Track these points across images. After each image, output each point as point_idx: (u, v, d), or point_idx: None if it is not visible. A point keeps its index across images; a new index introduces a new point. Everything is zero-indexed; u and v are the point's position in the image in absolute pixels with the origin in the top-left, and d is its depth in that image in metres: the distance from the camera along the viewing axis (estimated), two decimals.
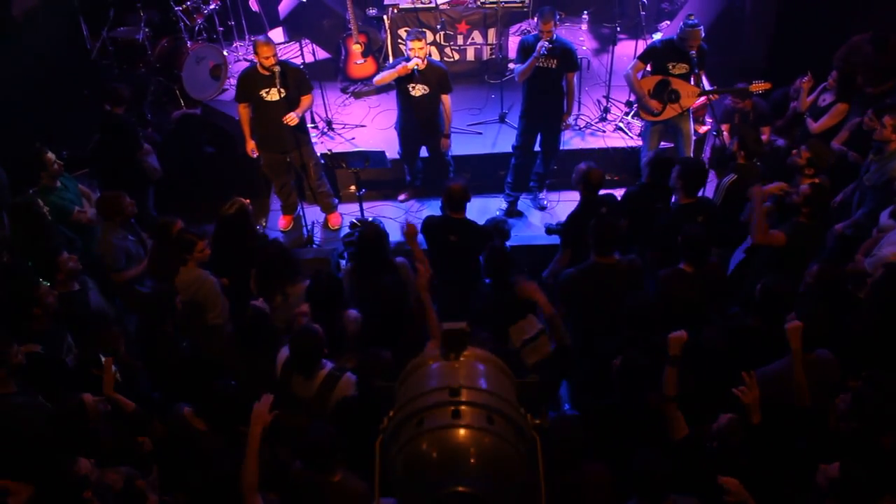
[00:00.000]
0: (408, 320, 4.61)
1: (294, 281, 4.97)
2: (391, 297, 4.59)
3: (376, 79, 7.12)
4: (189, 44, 8.72)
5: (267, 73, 6.44)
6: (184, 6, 8.72)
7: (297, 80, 6.67)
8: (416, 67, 6.60)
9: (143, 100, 8.47)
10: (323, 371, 4.18)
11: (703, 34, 6.50)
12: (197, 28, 9.01)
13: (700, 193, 5.56)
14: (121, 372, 4.40)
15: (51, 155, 5.76)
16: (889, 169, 5.46)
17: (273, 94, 6.54)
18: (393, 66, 6.83)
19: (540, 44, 6.53)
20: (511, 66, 7.04)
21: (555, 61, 6.70)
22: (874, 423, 3.45)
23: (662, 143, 7.19)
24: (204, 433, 3.96)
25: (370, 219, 6.95)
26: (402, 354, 3.85)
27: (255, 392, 4.27)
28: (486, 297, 4.92)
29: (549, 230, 6.70)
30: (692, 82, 6.65)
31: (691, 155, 7.06)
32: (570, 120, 7.47)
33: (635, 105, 7.94)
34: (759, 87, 6.58)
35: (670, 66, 6.69)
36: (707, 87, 6.82)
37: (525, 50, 6.78)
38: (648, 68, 6.86)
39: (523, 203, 7.75)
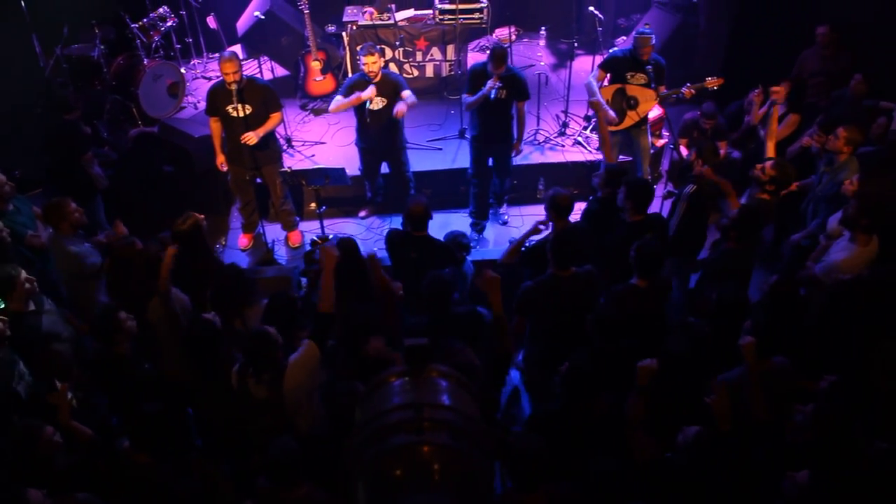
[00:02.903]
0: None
1: (251, 303, 4.85)
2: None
3: (331, 107, 6.98)
4: (146, 61, 8.63)
5: (234, 89, 6.36)
6: (140, 23, 8.65)
7: (265, 98, 6.57)
8: (368, 101, 6.65)
9: (98, 118, 8.35)
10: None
11: (654, 41, 6.65)
12: (154, 45, 8.93)
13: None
14: (77, 398, 4.28)
15: (2, 176, 5.59)
16: (840, 179, 5.61)
17: (239, 111, 6.47)
18: (349, 93, 6.74)
19: (489, 83, 6.49)
20: (463, 96, 6.98)
21: (504, 92, 6.65)
22: (833, 434, 3.47)
23: (621, 156, 7.26)
24: (148, 465, 3.74)
25: (331, 236, 6.91)
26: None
27: (211, 406, 4.19)
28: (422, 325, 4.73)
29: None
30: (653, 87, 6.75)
31: (648, 168, 7.17)
32: (521, 146, 7.25)
33: (593, 119, 8.03)
34: (713, 83, 6.71)
35: (629, 76, 6.80)
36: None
37: (475, 77, 6.73)
38: (607, 80, 6.95)
39: None
